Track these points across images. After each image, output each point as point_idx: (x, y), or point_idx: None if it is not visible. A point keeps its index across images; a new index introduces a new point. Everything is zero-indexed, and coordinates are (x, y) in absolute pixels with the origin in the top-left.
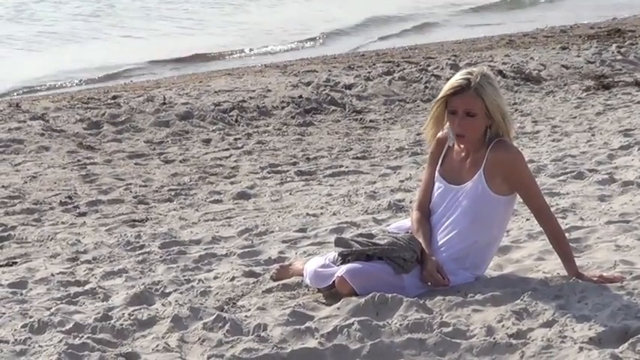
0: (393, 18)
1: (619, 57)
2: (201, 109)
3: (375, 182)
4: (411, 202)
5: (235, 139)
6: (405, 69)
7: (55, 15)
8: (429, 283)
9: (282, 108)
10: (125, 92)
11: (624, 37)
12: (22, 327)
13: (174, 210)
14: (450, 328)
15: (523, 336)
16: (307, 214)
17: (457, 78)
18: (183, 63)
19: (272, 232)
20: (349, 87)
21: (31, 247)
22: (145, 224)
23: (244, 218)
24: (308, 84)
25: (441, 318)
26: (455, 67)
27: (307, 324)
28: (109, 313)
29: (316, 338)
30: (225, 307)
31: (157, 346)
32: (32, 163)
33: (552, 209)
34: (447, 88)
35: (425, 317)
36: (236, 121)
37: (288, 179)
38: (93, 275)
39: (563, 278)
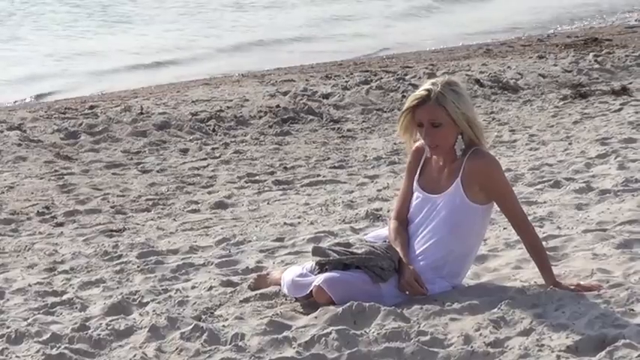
0: None
1: (596, 66)
2: (178, 118)
3: (352, 191)
4: (388, 211)
5: (213, 149)
6: (382, 78)
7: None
8: (407, 292)
9: (260, 117)
10: (102, 102)
11: (601, 46)
12: None
13: (152, 220)
14: (428, 337)
15: (500, 345)
16: (285, 223)
17: (419, 89)
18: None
19: (249, 241)
20: (326, 96)
21: (8, 258)
22: (123, 234)
23: (222, 228)
24: (285, 93)
25: (419, 327)
26: (432, 77)
27: (285, 333)
28: (87, 323)
29: (294, 347)
30: (203, 316)
31: (135, 356)
32: (9, 173)
33: (530, 218)
34: (410, 100)
35: (402, 326)
36: (213, 130)
37: (266, 189)
38: (70, 285)
39: (540, 287)
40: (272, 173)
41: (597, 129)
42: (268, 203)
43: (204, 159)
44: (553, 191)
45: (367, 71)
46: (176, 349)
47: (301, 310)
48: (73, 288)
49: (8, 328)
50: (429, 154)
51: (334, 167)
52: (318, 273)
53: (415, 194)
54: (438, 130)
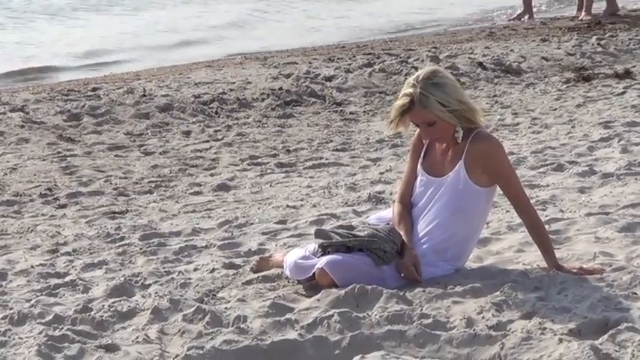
0: None
1: (599, 49)
2: (181, 101)
3: (355, 174)
4: (391, 193)
5: (215, 131)
6: (385, 61)
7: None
8: (402, 274)
9: (262, 100)
10: (105, 84)
11: (604, 30)
12: (2, 319)
13: (155, 202)
14: (430, 320)
15: (503, 328)
16: (287, 205)
17: (401, 95)
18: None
19: (252, 223)
20: (329, 79)
21: (11, 239)
22: (125, 216)
23: (224, 210)
24: (288, 76)
25: (421, 310)
26: (435, 59)
27: (287, 315)
28: (89, 305)
29: (296, 330)
30: (205, 298)
31: (137, 337)
32: (12, 155)
33: (532, 201)
34: (396, 109)
35: (405, 309)
36: (216, 112)
37: (268, 171)
38: (73, 267)
39: (543, 270)
40: (274, 156)
41: (600, 112)
42: (271, 185)
43: (207, 141)
44: (556, 174)
45: (370, 54)
46: (178, 330)
47: (303, 292)
48: (75, 270)
49: (11, 309)
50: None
51: (337, 150)
52: (321, 255)
53: (419, 177)
54: (434, 127)
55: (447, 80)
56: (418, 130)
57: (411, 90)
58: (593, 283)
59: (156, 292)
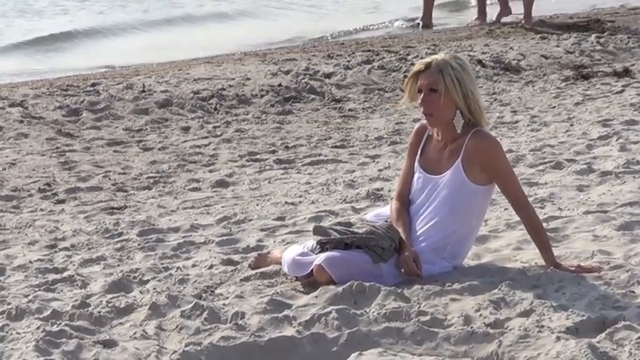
0: None
1: (598, 47)
2: (180, 96)
3: (353, 171)
4: (389, 190)
5: (214, 127)
6: (384, 58)
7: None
8: (402, 270)
9: (262, 96)
10: (104, 79)
11: (603, 28)
12: (0, 314)
13: (153, 198)
14: (428, 317)
15: (500, 325)
16: (286, 202)
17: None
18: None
19: (250, 220)
20: (328, 76)
21: (9, 234)
22: (124, 212)
23: (223, 206)
24: (287, 72)
25: (419, 307)
26: None
27: (285, 312)
28: (87, 301)
29: (294, 326)
30: (203, 295)
31: (135, 333)
32: (11, 149)
33: (531, 199)
34: (416, 66)
35: (402, 306)
36: (215, 109)
37: (267, 167)
38: (71, 262)
39: (540, 268)
40: (273, 152)
41: (599, 110)
42: (269, 182)
43: (206, 137)
44: (554, 172)
45: (369, 51)
46: (176, 327)
47: (301, 289)
48: (73, 265)
49: (9, 304)
50: (430, 132)
51: (336, 147)
52: (319, 252)
53: (416, 175)
54: (436, 97)
55: (468, 69)
56: (416, 127)
57: (436, 56)
58: (590, 281)
59: (154, 288)
